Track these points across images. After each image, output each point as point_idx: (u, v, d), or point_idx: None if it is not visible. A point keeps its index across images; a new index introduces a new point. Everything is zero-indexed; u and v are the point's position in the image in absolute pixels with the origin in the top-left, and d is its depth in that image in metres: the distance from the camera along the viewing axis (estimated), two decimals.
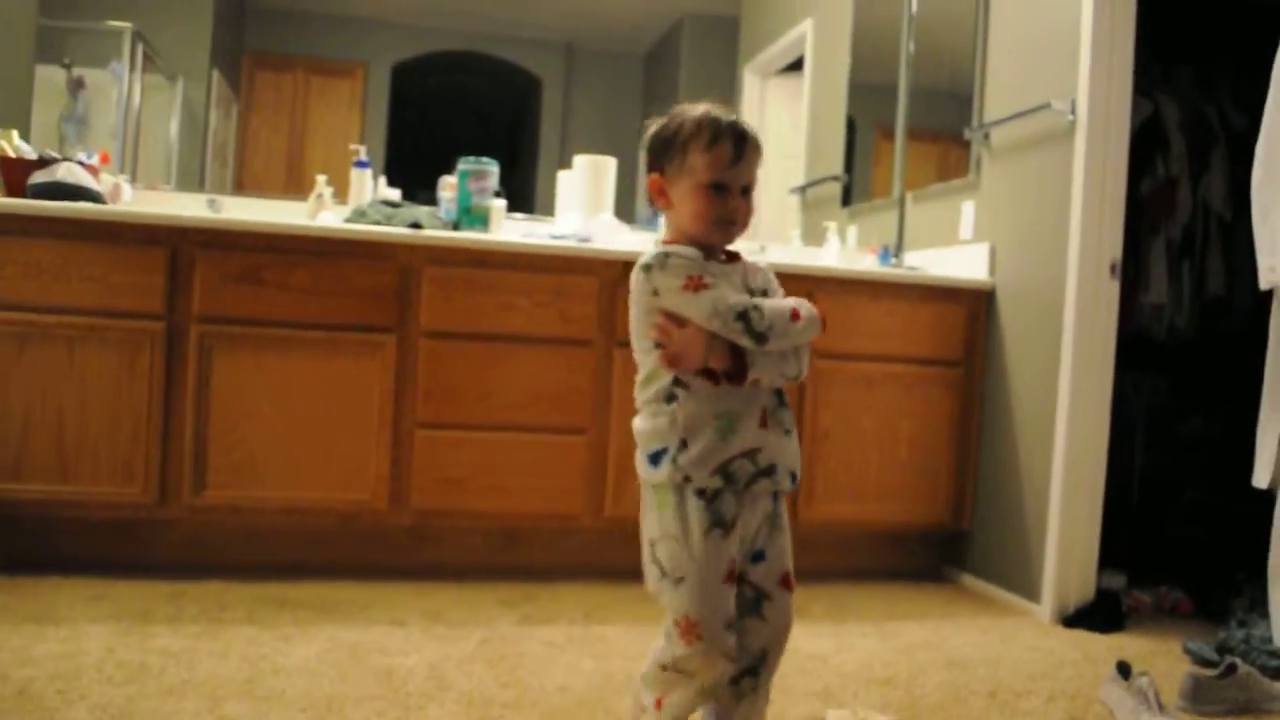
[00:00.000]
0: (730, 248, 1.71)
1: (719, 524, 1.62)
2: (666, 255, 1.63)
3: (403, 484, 3.05)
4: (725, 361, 1.60)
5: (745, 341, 1.59)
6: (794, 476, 1.70)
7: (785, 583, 1.69)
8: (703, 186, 1.62)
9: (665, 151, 1.66)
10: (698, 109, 1.66)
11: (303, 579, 2.99)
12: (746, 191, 1.66)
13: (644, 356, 1.69)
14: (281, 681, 2.19)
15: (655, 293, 1.63)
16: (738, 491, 1.63)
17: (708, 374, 1.61)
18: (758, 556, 1.68)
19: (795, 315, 1.63)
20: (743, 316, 1.58)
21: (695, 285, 1.60)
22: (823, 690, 2.36)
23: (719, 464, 1.61)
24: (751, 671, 1.68)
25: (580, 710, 2.14)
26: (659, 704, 1.71)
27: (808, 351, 1.69)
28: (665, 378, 1.64)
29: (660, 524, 1.65)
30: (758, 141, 1.66)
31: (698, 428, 1.61)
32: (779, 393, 1.69)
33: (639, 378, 1.71)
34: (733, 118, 1.65)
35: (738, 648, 1.65)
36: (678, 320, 1.61)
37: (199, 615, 2.62)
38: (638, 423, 1.69)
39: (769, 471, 1.64)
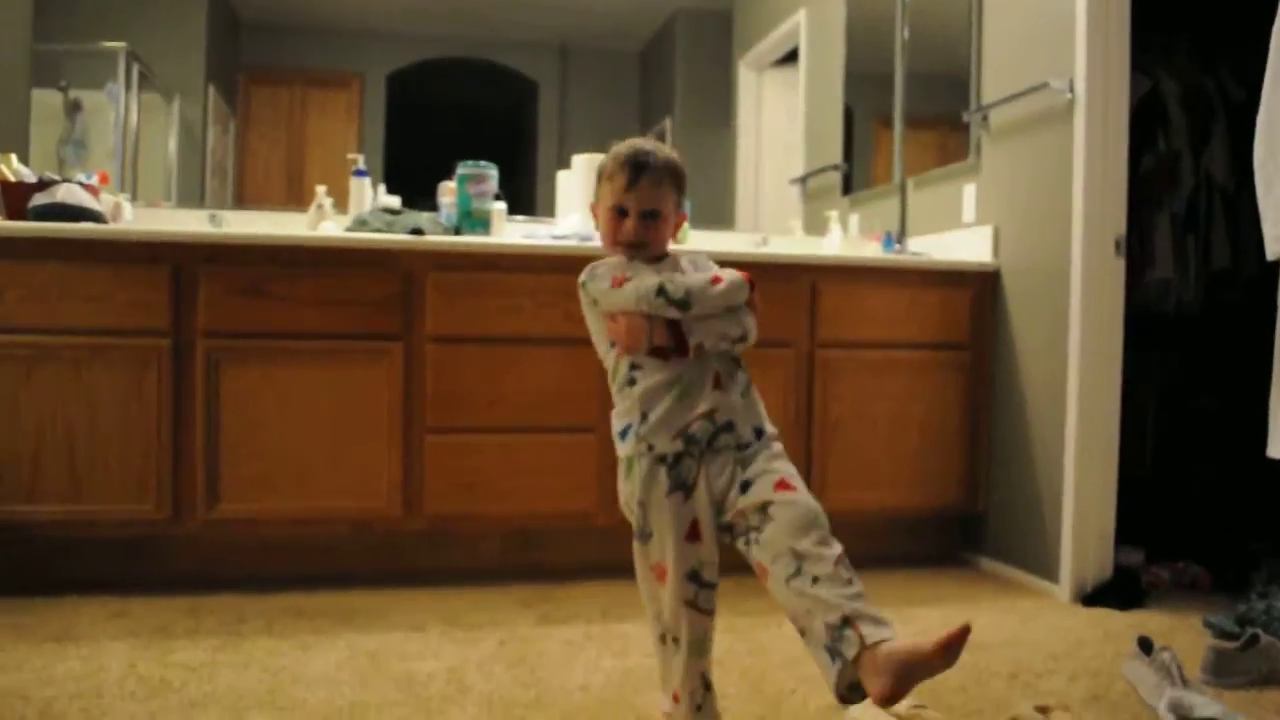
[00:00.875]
0: (674, 247, 1.95)
1: (679, 486, 1.79)
2: (594, 267, 1.89)
3: (415, 490, 3.05)
4: (665, 336, 1.79)
5: (672, 312, 1.78)
6: (758, 431, 1.83)
7: (782, 486, 1.76)
8: (607, 210, 1.88)
9: (597, 185, 1.93)
10: (623, 145, 1.89)
11: (319, 588, 2.99)
12: (649, 216, 1.86)
13: (606, 357, 1.92)
14: (302, 691, 2.19)
15: (595, 301, 1.88)
16: (701, 453, 1.79)
17: (656, 352, 1.80)
18: (745, 486, 1.77)
19: (715, 280, 1.82)
20: (660, 291, 1.77)
21: (619, 282, 1.83)
22: None
23: (679, 428, 1.79)
24: (796, 571, 1.66)
25: (602, 708, 2.14)
26: (676, 698, 1.86)
27: (749, 315, 1.85)
28: (624, 366, 1.85)
29: (628, 489, 1.85)
30: (658, 175, 1.85)
31: (655, 399, 1.80)
32: (735, 360, 1.87)
33: (609, 378, 1.91)
34: (639, 149, 1.86)
35: (772, 560, 1.70)
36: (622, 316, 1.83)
37: (217, 628, 2.62)
38: (613, 412, 1.90)
39: (728, 428, 1.80)
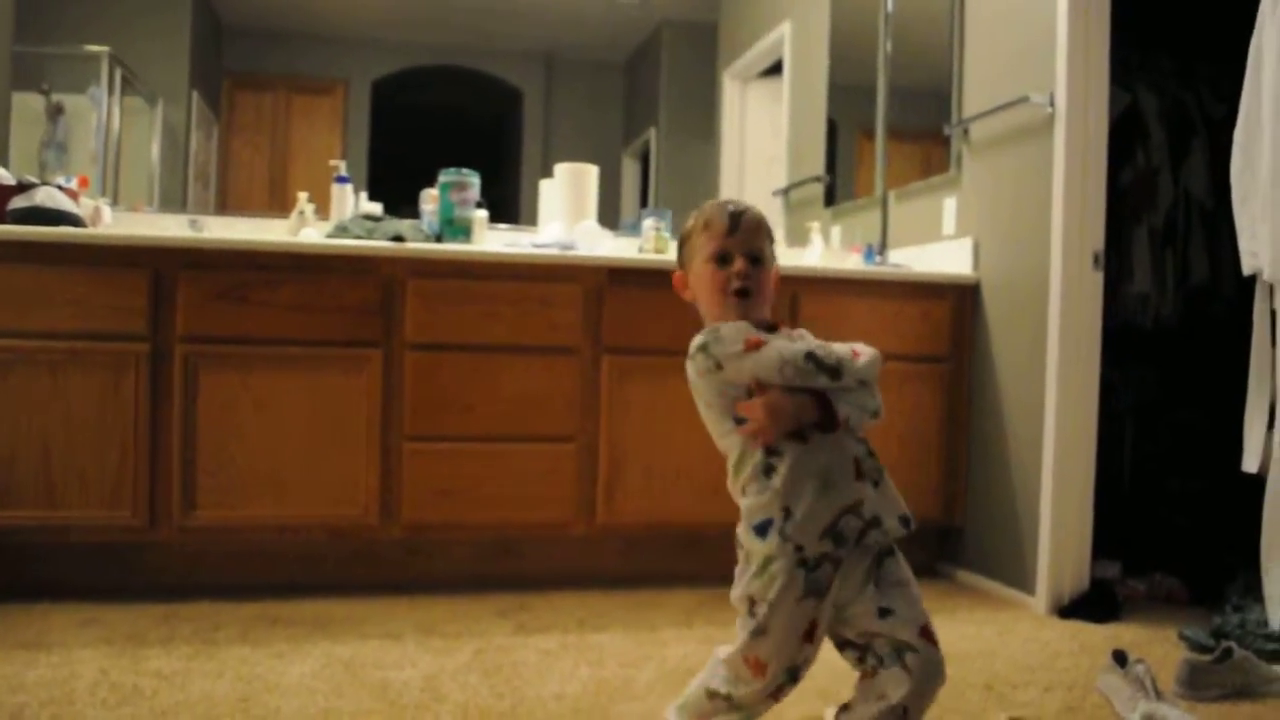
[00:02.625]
0: (768, 320, 1.74)
1: (815, 593, 1.63)
2: (716, 330, 1.67)
3: (393, 498, 3.04)
4: (814, 411, 1.61)
5: (822, 380, 1.61)
6: (905, 520, 1.68)
7: (926, 635, 1.64)
8: (706, 262, 1.73)
9: (681, 250, 1.82)
10: (707, 204, 1.80)
11: (295, 596, 2.98)
12: (755, 261, 1.72)
13: (727, 440, 1.71)
14: (277, 699, 2.18)
15: (718, 366, 1.65)
16: (847, 553, 1.64)
17: (794, 435, 1.63)
18: (884, 612, 1.64)
19: (855, 354, 1.65)
20: (810, 356, 1.60)
21: (755, 344, 1.63)
22: (818, 689, 2.34)
23: (826, 525, 1.61)
24: None
25: (576, 717, 2.13)
26: None
27: (878, 390, 1.69)
28: (757, 454, 1.65)
29: (759, 588, 1.65)
30: (757, 219, 1.76)
31: (798, 492, 1.61)
32: (865, 443, 1.69)
33: (730, 464, 1.72)
34: (731, 202, 1.78)
35: (879, 697, 1.65)
36: (754, 392, 1.65)
37: (192, 636, 2.60)
38: (744, 501, 1.69)
39: (875, 523, 1.64)
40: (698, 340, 1.68)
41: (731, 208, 1.76)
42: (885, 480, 1.69)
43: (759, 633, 1.65)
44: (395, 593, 3.06)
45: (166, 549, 3.02)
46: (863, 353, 1.66)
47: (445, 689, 2.28)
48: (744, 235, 1.73)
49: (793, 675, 1.69)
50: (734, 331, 1.65)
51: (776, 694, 1.71)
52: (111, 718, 2.04)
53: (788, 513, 1.61)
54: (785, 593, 1.63)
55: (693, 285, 1.78)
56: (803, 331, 1.75)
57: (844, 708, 1.73)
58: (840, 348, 1.65)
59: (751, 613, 1.66)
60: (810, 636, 1.66)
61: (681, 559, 3.26)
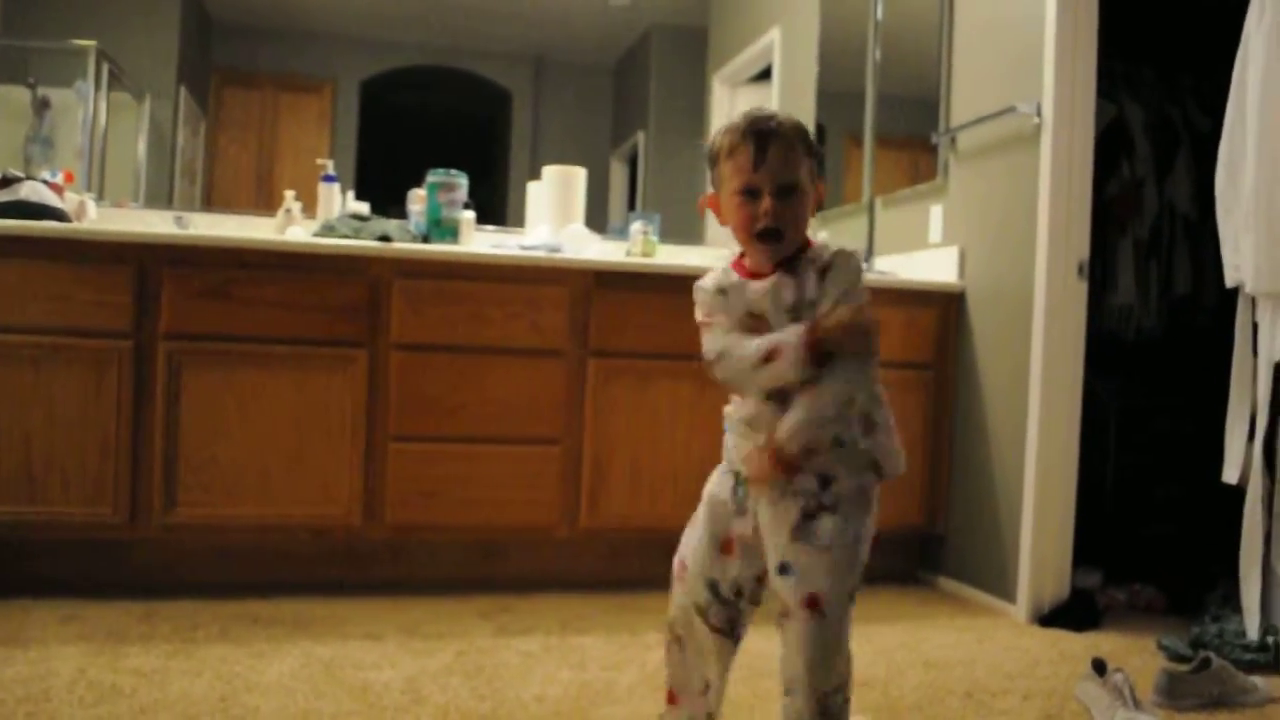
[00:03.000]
0: (789, 253, 1.64)
1: (734, 501, 1.73)
2: (697, 287, 1.71)
3: (376, 498, 3.04)
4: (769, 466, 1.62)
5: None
6: (824, 479, 1.65)
7: (811, 604, 1.61)
8: (734, 195, 1.62)
9: (711, 169, 1.67)
10: (735, 117, 1.64)
11: (277, 596, 2.97)
12: (784, 192, 1.59)
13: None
14: (256, 699, 2.17)
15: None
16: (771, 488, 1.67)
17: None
18: (783, 569, 1.64)
19: (767, 357, 1.59)
20: (713, 362, 1.66)
21: (704, 323, 1.68)
22: None
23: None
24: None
25: None
26: (671, 696, 1.84)
27: (849, 379, 1.59)
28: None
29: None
30: (788, 140, 1.60)
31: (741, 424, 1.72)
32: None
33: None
34: (759, 116, 1.61)
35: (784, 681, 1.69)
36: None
37: (171, 634, 2.59)
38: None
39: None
40: (698, 297, 1.70)
41: (759, 128, 1.59)
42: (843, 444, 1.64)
43: (689, 525, 1.76)
44: (377, 593, 3.05)
45: (147, 546, 3.00)
46: (780, 357, 1.58)
47: (426, 690, 2.27)
48: (772, 166, 1.59)
49: (713, 590, 1.72)
50: (699, 299, 1.69)
51: (705, 614, 1.73)
52: (89, 716, 2.02)
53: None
54: (712, 489, 1.75)
55: (724, 213, 1.67)
56: (837, 266, 1.61)
57: None
58: (746, 354, 1.62)
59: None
60: (727, 549, 1.71)
61: (665, 563, 3.22)
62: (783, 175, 1.58)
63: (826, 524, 1.62)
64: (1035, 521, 3.12)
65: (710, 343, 1.66)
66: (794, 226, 1.61)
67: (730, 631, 1.76)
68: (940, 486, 3.52)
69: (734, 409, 1.72)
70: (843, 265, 1.61)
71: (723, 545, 1.72)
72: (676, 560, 1.78)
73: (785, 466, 1.59)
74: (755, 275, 1.65)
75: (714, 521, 1.73)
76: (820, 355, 1.56)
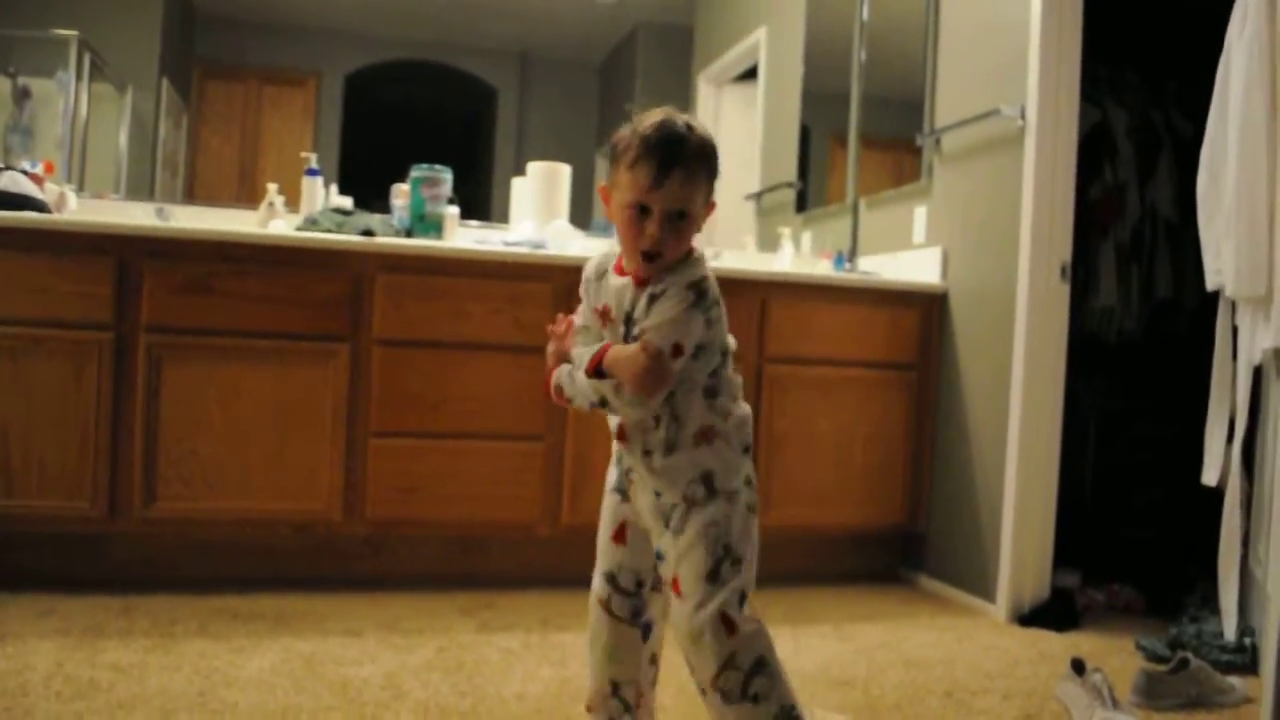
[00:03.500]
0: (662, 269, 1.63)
1: (619, 490, 1.80)
2: (586, 266, 1.79)
3: (357, 493, 3.02)
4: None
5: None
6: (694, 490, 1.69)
7: (675, 587, 1.67)
8: (625, 208, 1.58)
9: (611, 162, 1.62)
10: (646, 119, 1.58)
11: (256, 591, 2.95)
12: (676, 217, 1.57)
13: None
14: (235, 694, 2.16)
15: None
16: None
17: None
18: (659, 555, 1.72)
19: (589, 369, 1.64)
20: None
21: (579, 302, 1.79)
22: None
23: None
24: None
25: (537, 717, 2.13)
26: (589, 707, 1.89)
27: (624, 390, 1.61)
28: None
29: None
30: (694, 162, 1.57)
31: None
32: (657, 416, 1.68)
33: None
34: (670, 132, 1.55)
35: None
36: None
37: (150, 629, 2.57)
38: None
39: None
40: (582, 276, 1.78)
41: (666, 149, 1.54)
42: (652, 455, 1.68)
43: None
44: (358, 589, 3.04)
45: (126, 540, 2.98)
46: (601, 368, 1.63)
47: (406, 686, 2.26)
48: (669, 191, 1.55)
49: (611, 581, 1.78)
50: (579, 358, 1.69)
51: (608, 607, 1.79)
52: (66, 711, 2.01)
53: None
54: (607, 479, 1.82)
55: (613, 214, 1.64)
56: (666, 288, 1.60)
57: None
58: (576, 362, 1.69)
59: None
60: (620, 538, 1.78)
61: None
62: (677, 202, 1.56)
63: (678, 517, 1.67)
64: (1016, 522, 3.13)
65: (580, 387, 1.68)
66: (674, 249, 1.60)
67: (633, 619, 1.78)
68: (922, 486, 3.53)
69: None
70: (674, 293, 1.59)
71: (615, 534, 1.78)
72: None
73: (558, 395, 1.71)
74: (624, 272, 1.67)
75: (607, 511, 1.81)
76: (597, 373, 1.64)
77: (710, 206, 1.65)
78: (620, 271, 1.67)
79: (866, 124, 4.15)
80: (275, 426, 2.96)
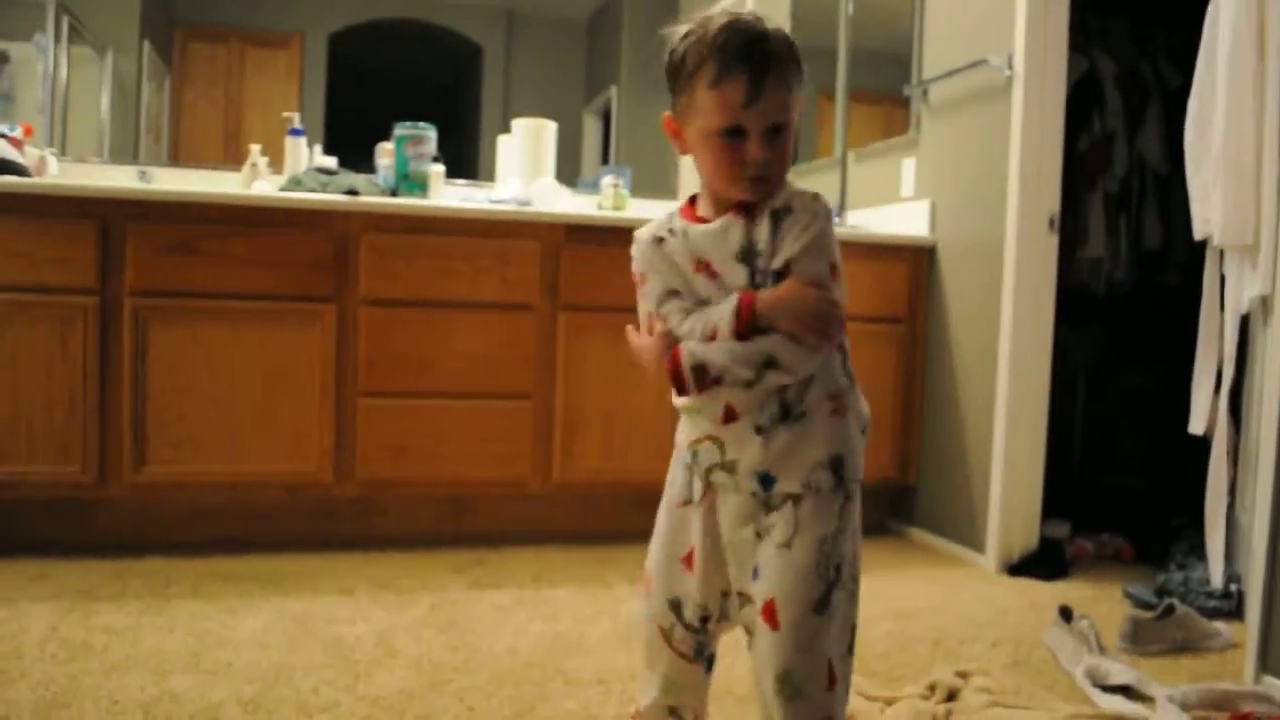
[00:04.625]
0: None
1: (688, 502, 1.46)
2: (634, 239, 1.44)
3: (347, 454, 3.03)
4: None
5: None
6: (764, 479, 1.36)
7: (767, 612, 1.34)
8: (713, 134, 1.30)
9: (673, 85, 1.33)
10: (714, 25, 1.29)
11: (249, 553, 2.96)
12: (775, 132, 1.29)
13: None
14: (228, 654, 2.17)
15: None
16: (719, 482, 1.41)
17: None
18: (757, 573, 1.37)
19: (711, 338, 1.33)
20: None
21: (637, 282, 1.43)
22: None
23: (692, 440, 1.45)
24: None
25: (529, 670, 2.14)
26: (635, 715, 1.56)
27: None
28: None
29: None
30: (786, 63, 1.29)
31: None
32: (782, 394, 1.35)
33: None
34: (752, 33, 1.28)
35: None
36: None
37: (143, 591, 2.58)
38: None
39: (730, 467, 1.38)
40: (633, 251, 1.44)
41: (754, 52, 1.26)
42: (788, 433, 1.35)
43: (653, 535, 1.48)
44: (349, 549, 3.05)
45: (118, 505, 2.99)
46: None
47: (399, 643, 2.28)
48: (768, 104, 1.27)
49: (676, 610, 1.44)
50: (634, 254, 1.43)
51: (669, 637, 1.46)
52: (60, 673, 2.02)
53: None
54: (669, 487, 1.47)
55: (691, 145, 1.35)
56: (795, 211, 1.31)
57: None
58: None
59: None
60: (689, 562, 1.43)
61: (636, 516, 3.22)
62: (776, 115, 1.28)
63: (784, 520, 1.35)
64: (1005, 472, 3.15)
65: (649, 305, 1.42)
66: (781, 168, 1.32)
67: (697, 655, 1.47)
68: (912, 439, 3.54)
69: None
70: (802, 210, 1.31)
71: (686, 558, 1.44)
72: (646, 568, 1.50)
73: (700, 378, 1.31)
74: (704, 221, 1.38)
75: (671, 529, 1.46)
76: (751, 331, 1.30)
77: (801, 109, 1.34)
78: (698, 219, 1.39)
79: (856, 78, 4.12)
80: (263, 388, 2.96)
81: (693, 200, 1.43)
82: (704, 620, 1.45)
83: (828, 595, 1.33)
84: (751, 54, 1.26)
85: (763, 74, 1.26)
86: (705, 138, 1.31)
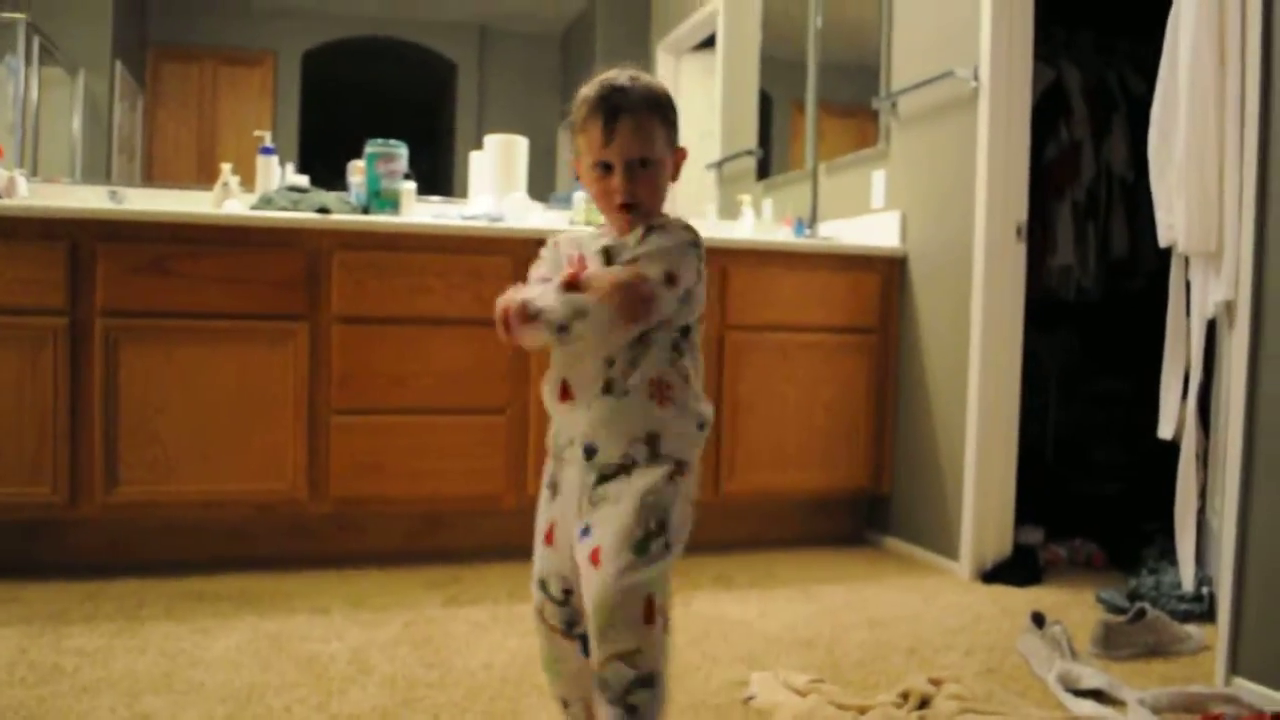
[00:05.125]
0: (648, 220, 1.58)
1: (550, 486, 1.67)
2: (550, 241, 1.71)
3: (321, 472, 3.02)
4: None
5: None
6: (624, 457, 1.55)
7: (593, 558, 1.51)
8: (588, 169, 1.57)
9: (572, 133, 1.61)
10: (593, 83, 1.56)
11: (223, 572, 2.95)
12: (641, 165, 1.53)
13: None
14: (201, 674, 2.16)
15: None
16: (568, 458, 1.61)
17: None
18: (584, 532, 1.55)
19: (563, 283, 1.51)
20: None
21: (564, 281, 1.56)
22: (747, 654, 2.38)
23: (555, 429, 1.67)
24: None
25: (504, 687, 2.14)
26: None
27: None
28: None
29: None
30: (640, 108, 1.53)
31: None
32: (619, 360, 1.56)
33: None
34: (611, 85, 1.53)
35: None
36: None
37: (115, 613, 2.57)
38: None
39: (581, 444, 1.58)
40: (544, 251, 1.71)
41: (608, 101, 1.52)
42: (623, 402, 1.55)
43: None
44: (324, 567, 3.04)
45: (89, 526, 2.97)
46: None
47: (373, 661, 2.27)
48: (622, 141, 1.52)
49: (543, 587, 1.63)
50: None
51: (541, 614, 1.64)
52: (30, 696, 2.00)
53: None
54: (544, 478, 1.69)
55: (583, 178, 1.62)
56: (653, 238, 1.54)
57: None
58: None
59: None
60: (549, 539, 1.62)
61: None
62: (633, 151, 1.53)
63: (616, 485, 1.54)
64: (977, 480, 3.17)
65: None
66: (649, 197, 1.56)
67: (568, 630, 1.62)
68: (885, 448, 3.56)
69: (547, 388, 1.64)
70: (668, 231, 1.55)
71: (546, 535, 1.64)
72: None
73: (520, 313, 1.45)
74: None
75: (540, 513, 1.66)
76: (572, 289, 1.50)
77: (679, 153, 1.61)
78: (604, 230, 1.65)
79: (827, 91, 4.15)
80: (236, 407, 2.95)
81: None
82: (566, 593, 1.61)
83: (646, 540, 1.50)
84: (607, 102, 1.52)
85: (614, 118, 1.52)
86: (585, 171, 1.59)
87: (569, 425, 1.60)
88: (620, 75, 1.56)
